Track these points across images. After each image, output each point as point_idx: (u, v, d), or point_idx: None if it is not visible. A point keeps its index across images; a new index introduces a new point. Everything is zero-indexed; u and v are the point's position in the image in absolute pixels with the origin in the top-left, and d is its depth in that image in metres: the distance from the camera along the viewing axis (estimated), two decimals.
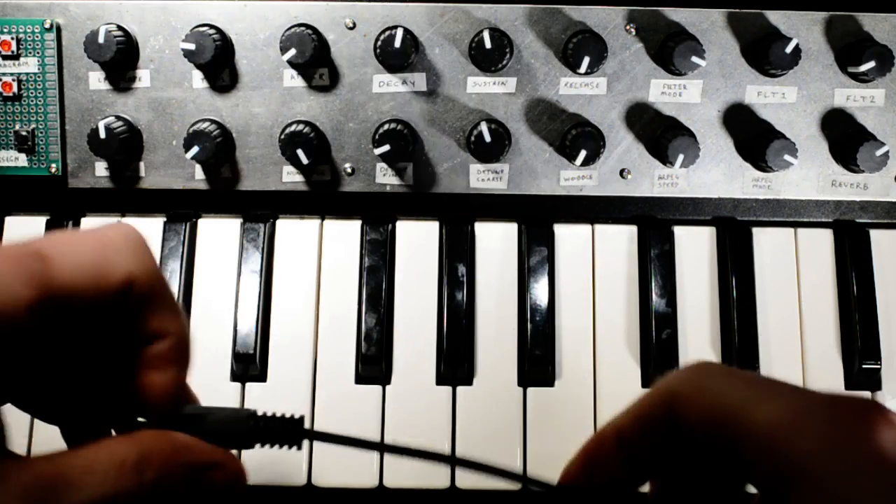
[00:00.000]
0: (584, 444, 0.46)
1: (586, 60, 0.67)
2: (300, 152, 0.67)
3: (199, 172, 0.71)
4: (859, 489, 0.37)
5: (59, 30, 0.70)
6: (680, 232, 0.71)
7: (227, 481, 0.49)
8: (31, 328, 0.39)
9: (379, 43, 0.67)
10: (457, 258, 0.69)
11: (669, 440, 0.43)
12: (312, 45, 0.67)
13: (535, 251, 0.69)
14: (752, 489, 0.43)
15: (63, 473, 0.41)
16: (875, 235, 0.71)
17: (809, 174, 0.71)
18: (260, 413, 0.51)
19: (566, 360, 0.68)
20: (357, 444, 0.52)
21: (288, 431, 0.51)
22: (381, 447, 0.61)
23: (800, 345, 0.69)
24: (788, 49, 0.67)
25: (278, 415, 0.52)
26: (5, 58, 0.69)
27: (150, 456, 0.45)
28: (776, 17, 0.70)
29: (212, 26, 0.69)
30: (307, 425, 0.57)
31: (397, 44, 0.66)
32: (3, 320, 0.38)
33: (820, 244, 0.71)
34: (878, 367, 0.68)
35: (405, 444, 0.55)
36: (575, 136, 0.68)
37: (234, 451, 0.52)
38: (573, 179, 0.71)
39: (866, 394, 0.68)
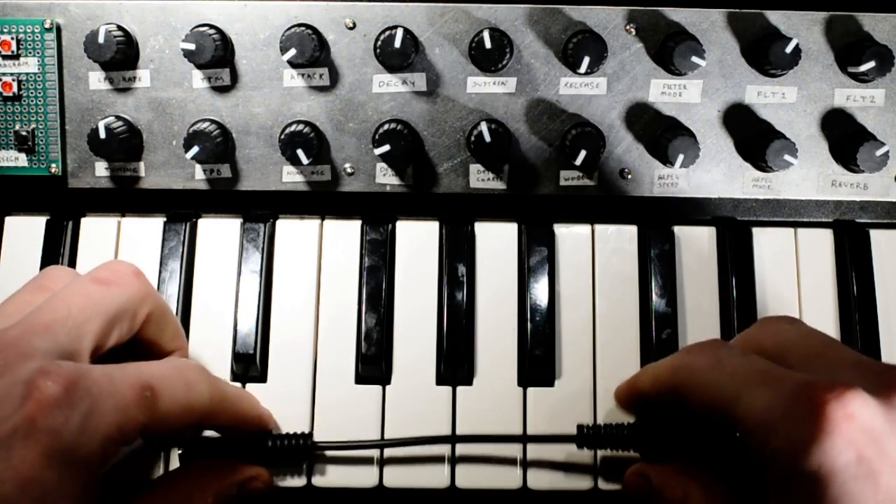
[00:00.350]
0: (626, 383, 0.64)
1: (586, 60, 0.67)
2: (300, 152, 0.67)
3: (199, 172, 0.71)
4: (810, 495, 0.44)
5: (59, 30, 0.70)
6: (680, 232, 0.71)
7: (262, 487, 0.62)
8: (133, 433, 0.51)
9: (379, 43, 0.67)
10: (457, 258, 0.69)
11: (680, 405, 0.56)
12: (312, 45, 0.67)
13: (535, 251, 0.69)
14: None
15: None
16: (875, 235, 0.71)
17: (809, 174, 0.71)
18: (275, 434, 0.64)
19: (566, 360, 0.68)
20: (361, 446, 0.64)
21: (298, 449, 0.63)
22: (382, 445, 0.65)
23: None
24: (788, 49, 0.67)
25: (290, 432, 0.63)
26: (5, 58, 0.69)
27: (208, 486, 0.58)
28: (776, 17, 0.70)
29: (212, 26, 0.69)
30: (313, 436, 0.65)
31: (397, 44, 0.66)
32: (124, 437, 0.49)
33: (820, 244, 0.71)
34: None
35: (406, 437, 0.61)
36: (575, 136, 0.68)
37: None
38: (573, 179, 0.71)
39: None
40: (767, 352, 0.55)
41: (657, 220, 0.71)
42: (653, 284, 0.69)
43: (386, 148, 0.67)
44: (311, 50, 0.67)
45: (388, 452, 0.65)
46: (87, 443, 0.47)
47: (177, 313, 0.68)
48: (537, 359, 0.67)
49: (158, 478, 0.59)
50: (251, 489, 0.61)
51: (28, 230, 0.71)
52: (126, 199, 0.71)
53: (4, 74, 0.70)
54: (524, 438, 0.65)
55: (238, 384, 0.67)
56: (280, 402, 0.66)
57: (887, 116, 0.71)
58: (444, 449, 0.65)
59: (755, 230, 0.71)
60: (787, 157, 0.68)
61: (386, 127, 0.68)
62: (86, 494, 0.47)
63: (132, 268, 0.58)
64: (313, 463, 0.65)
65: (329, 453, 0.65)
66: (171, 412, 0.52)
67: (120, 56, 0.68)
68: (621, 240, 0.71)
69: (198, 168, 0.71)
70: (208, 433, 0.63)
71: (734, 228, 0.71)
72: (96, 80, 0.70)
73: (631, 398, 0.64)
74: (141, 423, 0.50)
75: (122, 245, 0.70)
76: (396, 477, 0.65)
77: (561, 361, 0.68)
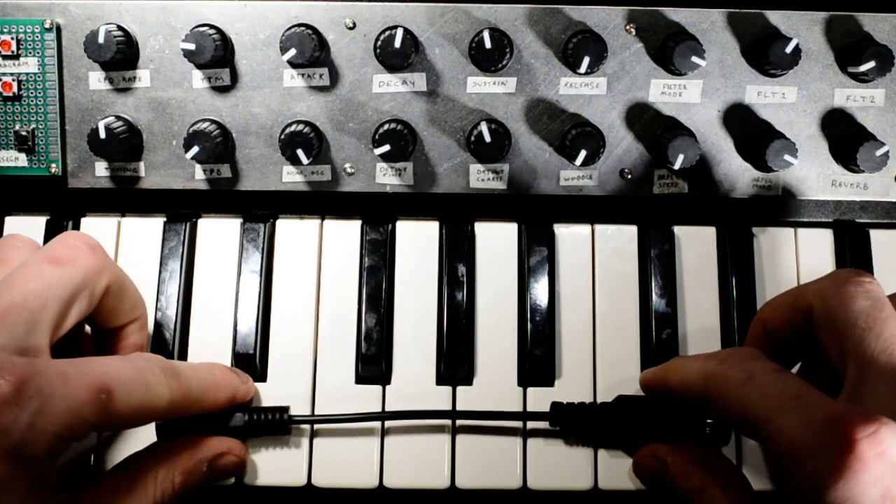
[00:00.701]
0: (654, 373, 0.63)
1: (586, 60, 0.67)
2: (300, 152, 0.67)
3: (199, 172, 0.71)
4: None
5: (59, 30, 0.70)
6: (680, 232, 0.71)
7: (236, 464, 0.61)
8: (85, 432, 0.51)
9: (379, 43, 0.67)
10: (457, 258, 0.69)
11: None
12: (312, 45, 0.67)
13: (535, 251, 0.69)
14: None
15: None
16: (875, 235, 0.71)
17: (809, 174, 0.71)
18: (252, 407, 0.64)
19: (566, 360, 0.68)
20: (343, 419, 0.64)
21: (276, 421, 0.63)
22: (382, 417, 0.65)
23: None
24: (788, 49, 0.67)
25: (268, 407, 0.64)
26: (5, 58, 0.69)
27: (175, 464, 0.57)
28: (776, 17, 0.70)
29: (212, 26, 0.69)
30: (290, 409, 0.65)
31: (397, 44, 0.66)
32: (74, 436, 0.50)
33: (820, 244, 0.71)
34: None
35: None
36: (575, 136, 0.68)
37: None
38: (573, 179, 0.71)
39: None
40: (835, 319, 0.53)
41: (657, 220, 0.71)
42: (653, 284, 0.69)
43: (386, 148, 0.67)
44: (311, 50, 0.67)
45: (388, 447, 0.65)
46: (36, 441, 0.47)
47: (177, 313, 0.68)
48: (537, 359, 0.67)
49: (121, 462, 0.58)
50: (223, 465, 0.60)
51: (28, 230, 0.70)
52: (126, 199, 0.71)
53: (4, 74, 0.70)
54: (523, 415, 0.66)
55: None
56: (280, 401, 0.66)
57: (887, 116, 0.71)
58: (444, 440, 0.65)
59: (756, 230, 0.71)
60: (787, 157, 0.68)
61: (386, 127, 0.68)
62: (35, 488, 0.48)
63: (87, 240, 0.57)
64: (312, 458, 0.65)
65: (329, 450, 0.65)
66: (125, 414, 0.52)
67: (120, 56, 0.68)
68: (621, 240, 0.71)
69: (198, 168, 0.71)
70: None
71: (735, 228, 0.71)
72: (96, 80, 0.70)
73: (657, 389, 0.63)
74: (93, 424, 0.50)
75: (122, 245, 0.70)
76: (396, 472, 0.65)
77: (561, 361, 0.68)
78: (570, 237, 0.71)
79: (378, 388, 0.67)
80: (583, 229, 0.71)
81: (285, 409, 0.64)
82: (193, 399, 0.59)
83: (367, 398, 0.67)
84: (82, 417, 0.49)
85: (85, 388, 0.50)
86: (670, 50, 0.67)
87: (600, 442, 0.65)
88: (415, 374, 0.68)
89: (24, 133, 0.70)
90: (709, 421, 0.62)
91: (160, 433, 0.62)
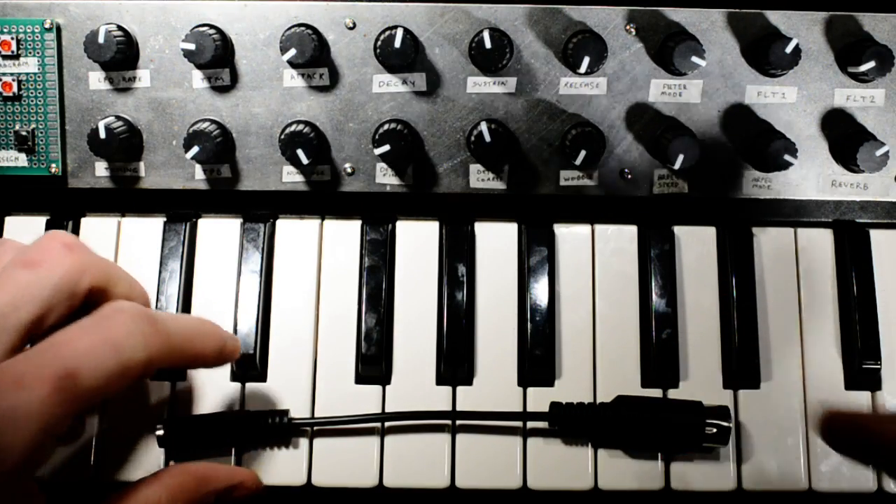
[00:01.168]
0: (862, 418, 0.57)
1: (586, 60, 0.67)
2: (300, 152, 0.67)
3: (199, 172, 0.71)
4: None
5: (59, 30, 0.70)
6: (680, 232, 0.71)
7: (248, 493, 0.59)
8: (62, 423, 0.46)
9: (379, 43, 0.67)
10: (457, 258, 0.69)
11: None
12: (312, 45, 0.67)
13: (535, 251, 0.69)
14: None
15: None
16: (875, 235, 0.71)
17: (809, 174, 0.71)
18: (252, 412, 0.63)
19: (566, 360, 0.68)
20: (342, 421, 0.64)
21: (276, 425, 0.63)
22: (382, 418, 0.65)
23: (800, 345, 0.69)
24: (788, 49, 0.67)
25: (268, 410, 0.63)
26: (5, 58, 0.69)
27: (179, 494, 0.54)
28: (776, 17, 0.70)
29: (212, 26, 0.69)
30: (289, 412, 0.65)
31: (397, 44, 0.66)
32: (49, 434, 0.45)
33: (820, 244, 0.71)
34: (878, 367, 0.68)
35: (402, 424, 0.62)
36: (575, 136, 0.68)
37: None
38: (573, 179, 0.71)
39: (866, 394, 0.68)
40: None
41: (657, 220, 0.71)
42: (653, 284, 0.69)
43: (386, 148, 0.67)
44: (311, 50, 0.67)
45: (388, 446, 0.65)
46: (5, 459, 0.44)
47: (177, 313, 0.68)
48: (537, 359, 0.67)
49: (126, 487, 0.55)
50: (234, 497, 0.58)
51: (28, 230, 0.70)
52: (126, 199, 0.71)
53: (4, 74, 0.70)
54: (523, 416, 0.66)
55: (238, 384, 0.67)
56: (280, 402, 0.66)
57: (887, 116, 0.71)
58: (444, 440, 0.65)
59: (755, 230, 0.71)
60: (787, 157, 0.68)
61: (386, 127, 0.68)
62: (16, 497, 0.46)
63: (64, 239, 0.54)
64: (312, 458, 0.65)
65: (329, 449, 0.65)
66: (99, 387, 0.47)
67: (120, 56, 0.68)
68: (621, 240, 0.71)
69: (198, 168, 0.71)
70: (187, 414, 0.65)
71: (734, 228, 0.71)
72: (96, 80, 0.70)
73: (852, 435, 0.53)
74: (66, 414, 0.46)
75: (122, 245, 0.70)
76: (396, 471, 0.65)
77: (561, 361, 0.68)
78: (570, 237, 0.71)
79: (378, 388, 0.67)
80: (583, 229, 0.71)
81: (285, 413, 0.64)
82: (176, 346, 0.54)
83: (367, 398, 0.67)
84: (50, 415, 0.45)
85: (45, 382, 0.45)
86: (670, 50, 0.67)
87: (600, 442, 0.65)
88: (415, 374, 0.68)
89: (24, 133, 0.70)
90: (708, 422, 0.62)
91: (162, 442, 0.62)
